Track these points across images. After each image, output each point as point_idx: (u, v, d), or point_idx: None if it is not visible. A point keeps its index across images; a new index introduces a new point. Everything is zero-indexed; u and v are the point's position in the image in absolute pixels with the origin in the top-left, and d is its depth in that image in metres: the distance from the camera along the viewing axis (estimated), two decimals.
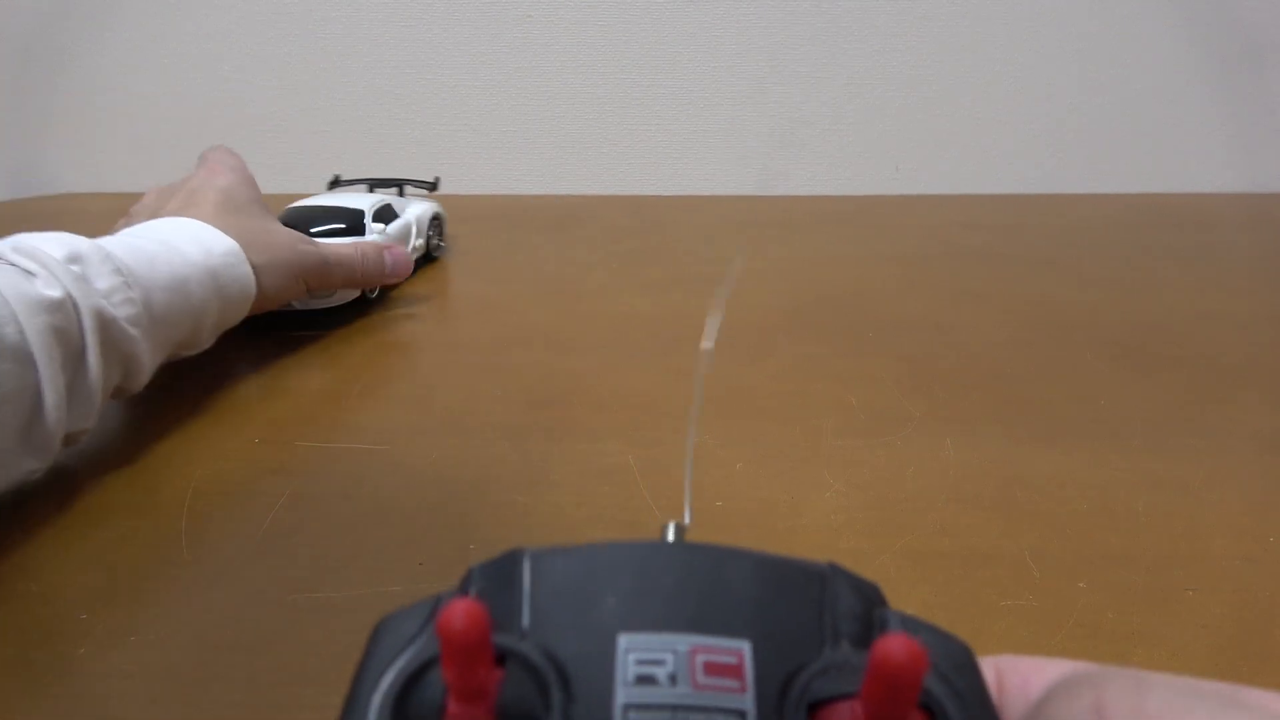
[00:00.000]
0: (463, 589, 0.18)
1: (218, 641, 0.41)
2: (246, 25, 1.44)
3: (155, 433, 0.62)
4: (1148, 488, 0.53)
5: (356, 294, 0.85)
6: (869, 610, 0.16)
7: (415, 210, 1.00)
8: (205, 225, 0.63)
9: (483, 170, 1.49)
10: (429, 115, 1.47)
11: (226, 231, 0.64)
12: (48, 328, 0.45)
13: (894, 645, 0.13)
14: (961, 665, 0.16)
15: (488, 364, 0.74)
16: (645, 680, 0.14)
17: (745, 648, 0.14)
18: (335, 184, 1.05)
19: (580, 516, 0.51)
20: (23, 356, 0.44)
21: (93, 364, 0.49)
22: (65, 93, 1.48)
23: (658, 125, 1.47)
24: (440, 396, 0.68)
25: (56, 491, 0.54)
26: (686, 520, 0.19)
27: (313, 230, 0.85)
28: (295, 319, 0.81)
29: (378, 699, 0.15)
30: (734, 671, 0.14)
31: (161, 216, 0.66)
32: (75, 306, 0.47)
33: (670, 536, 0.18)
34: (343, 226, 0.88)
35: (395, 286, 0.92)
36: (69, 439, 0.51)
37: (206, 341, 0.65)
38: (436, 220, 1.04)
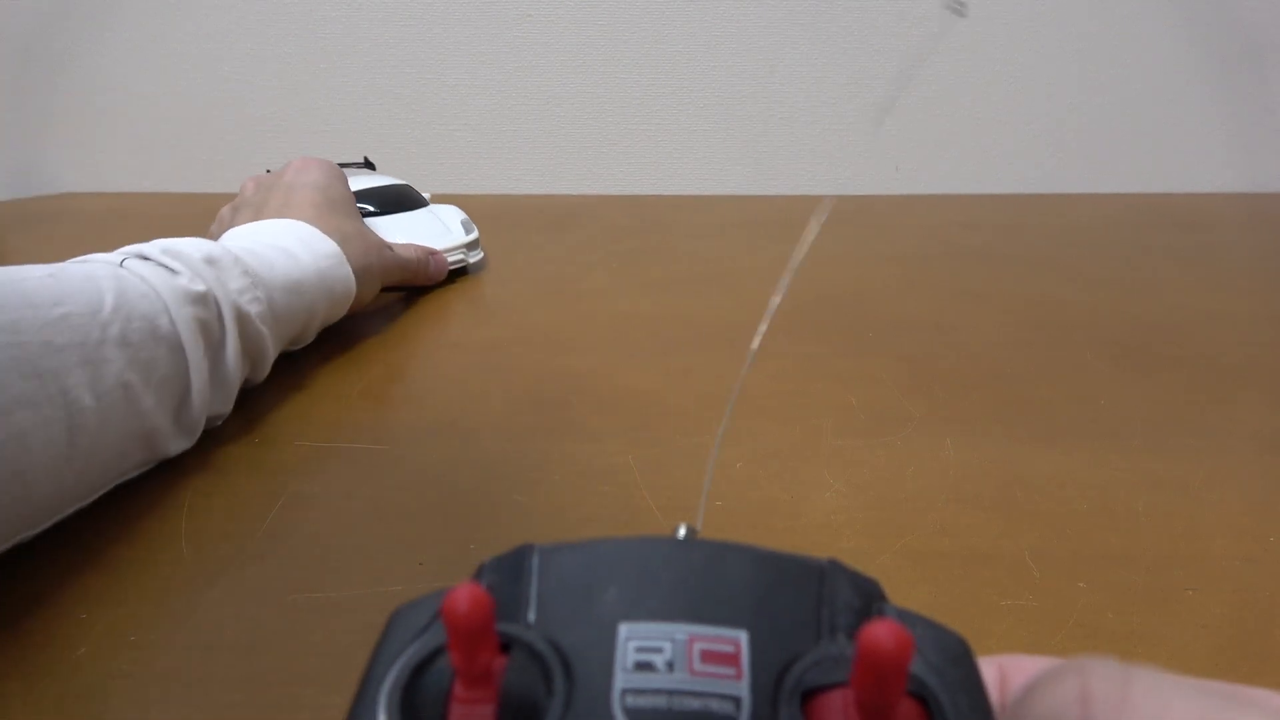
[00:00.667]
0: (474, 581, 0.18)
1: (217, 641, 0.41)
2: (246, 25, 1.44)
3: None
4: (1148, 488, 0.53)
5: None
6: (867, 605, 0.16)
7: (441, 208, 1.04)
8: (310, 228, 0.70)
9: (483, 170, 1.49)
10: (429, 115, 1.47)
11: (327, 234, 0.71)
12: (194, 319, 0.50)
13: (880, 631, 0.13)
14: (957, 657, 0.16)
15: (488, 364, 0.74)
16: (644, 667, 0.14)
17: (743, 637, 0.15)
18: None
19: (580, 516, 0.51)
20: (174, 344, 0.49)
21: (231, 354, 0.55)
22: (65, 93, 1.48)
23: (658, 125, 1.47)
24: (440, 396, 0.68)
25: None
26: (699, 525, 0.19)
27: (380, 209, 0.96)
28: None
29: (387, 685, 0.15)
30: (730, 660, 0.14)
31: (265, 215, 0.71)
32: (216, 302, 0.53)
33: (681, 532, 0.18)
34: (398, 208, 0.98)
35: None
36: (210, 422, 0.57)
37: (311, 337, 0.71)
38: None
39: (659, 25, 1.42)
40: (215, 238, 0.70)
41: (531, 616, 0.15)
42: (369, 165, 1.18)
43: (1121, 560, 0.47)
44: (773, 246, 1.10)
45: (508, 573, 0.16)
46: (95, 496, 0.51)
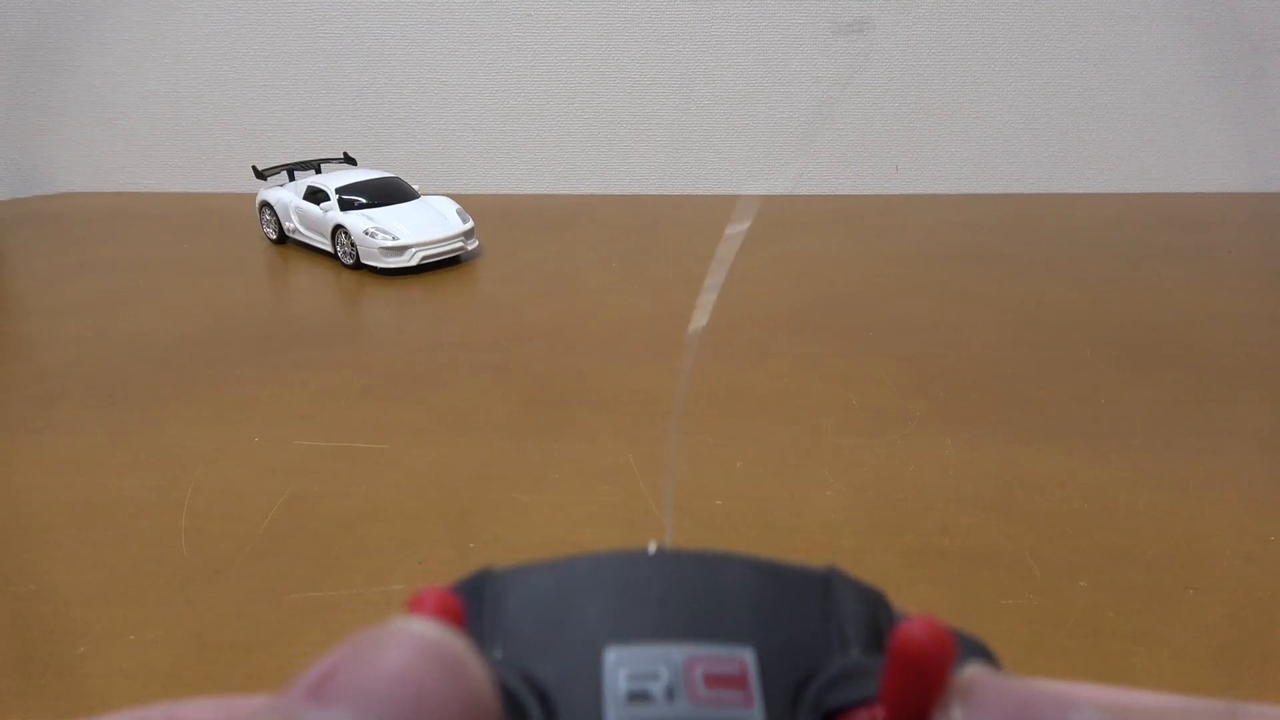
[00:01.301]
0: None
1: (217, 640, 0.41)
2: (246, 25, 1.44)
3: (155, 432, 0.62)
4: (1148, 487, 0.53)
5: (415, 261, 0.96)
6: (875, 614, 0.15)
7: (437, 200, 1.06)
8: None
9: (483, 170, 1.49)
10: (429, 115, 1.47)
11: None
12: None
13: (916, 630, 0.12)
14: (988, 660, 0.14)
15: (488, 363, 0.74)
16: (639, 697, 0.12)
17: (748, 655, 0.13)
18: (261, 175, 1.11)
19: (580, 516, 0.51)
20: None
21: None
22: (65, 93, 1.48)
23: (658, 125, 1.47)
24: (440, 396, 0.68)
25: (56, 491, 0.54)
26: (669, 541, 0.17)
27: (373, 201, 1.00)
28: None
29: None
30: (738, 682, 0.13)
31: None
32: None
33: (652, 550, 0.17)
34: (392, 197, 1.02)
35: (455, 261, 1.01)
36: None
37: None
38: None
39: (659, 25, 1.42)
40: None
41: (498, 651, 0.13)
42: (349, 160, 1.19)
43: (1122, 559, 0.47)
44: (772, 246, 1.09)
45: (467, 600, 0.14)
46: None
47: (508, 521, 0.51)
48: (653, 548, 0.16)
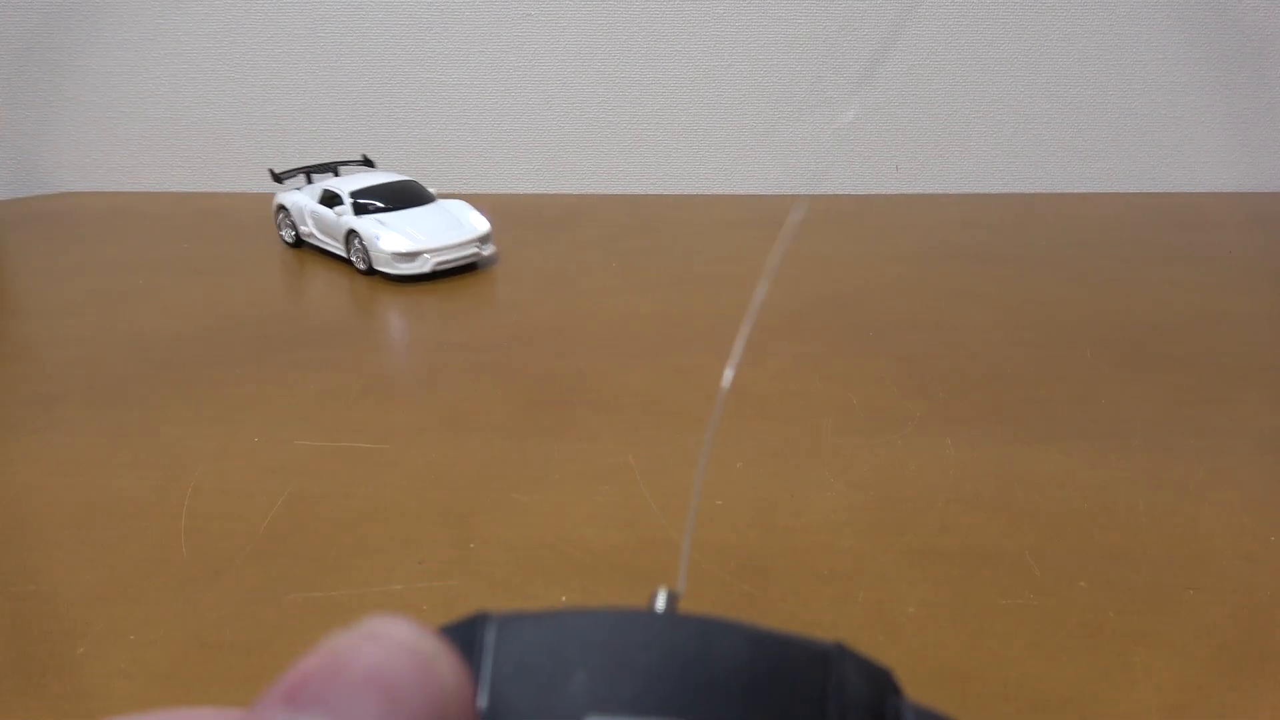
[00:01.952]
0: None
1: (217, 640, 0.41)
2: (247, 25, 1.44)
3: (155, 432, 0.62)
4: (1148, 487, 0.53)
5: (429, 268, 0.95)
6: (880, 699, 0.14)
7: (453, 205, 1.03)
8: None
9: (483, 170, 1.49)
10: (429, 115, 1.47)
11: None
12: None
13: None
14: None
15: (488, 363, 0.74)
16: None
17: None
18: (278, 178, 1.10)
19: (580, 516, 0.51)
20: None
21: None
22: (65, 93, 1.48)
23: (658, 125, 1.47)
24: (440, 396, 0.68)
25: (56, 491, 0.54)
26: (681, 587, 0.17)
27: (389, 205, 0.99)
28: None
29: None
30: None
31: None
32: None
33: (660, 605, 0.16)
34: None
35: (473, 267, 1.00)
36: None
37: None
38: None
39: (659, 25, 1.42)
40: None
41: (483, 703, 0.13)
42: (367, 163, 1.17)
43: (1122, 559, 0.47)
44: (773, 246, 1.09)
45: (457, 644, 0.14)
46: None
47: (508, 521, 0.51)
48: (661, 597, 0.16)
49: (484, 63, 1.45)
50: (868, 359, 0.73)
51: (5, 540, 0.49)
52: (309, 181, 1.10)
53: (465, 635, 0.14)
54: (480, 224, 0.99)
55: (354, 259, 0.99)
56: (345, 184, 1.01)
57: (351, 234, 0.97)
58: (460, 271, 0.99)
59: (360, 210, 0.98)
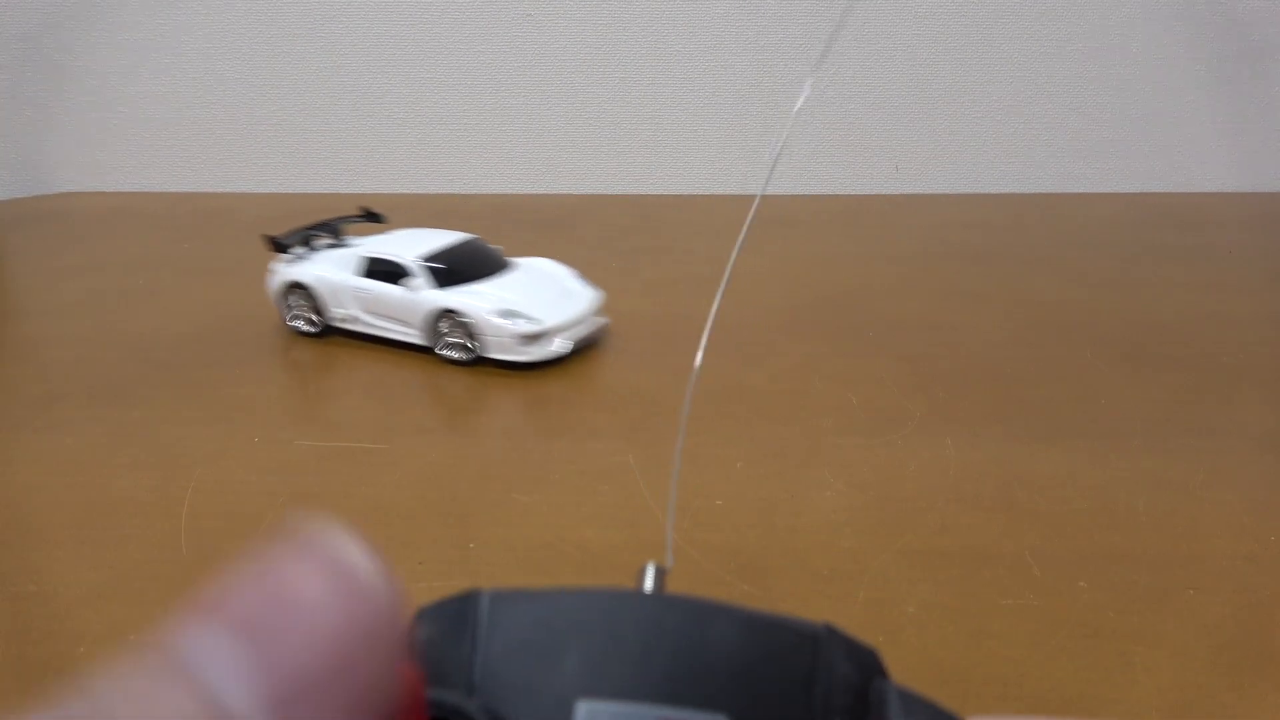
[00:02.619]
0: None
1: None
2: (246, 25, 1.44)
3: (155, 431, 0.62)
4: (1148, 488, 0.53)
5: (568, 350, 0.73)
6: (866, 681, 0.14)
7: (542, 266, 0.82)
8: None
9: (483, 170, 1.49)
10: (429, 115, 1.47)
11: None
12: None
13: None
14: None
15: (488, 363, 0.74)
16: None
17: None
18: (281, 247, 0.81)
19: (580, 516, 0.51)
20: None
21: None
22: (65, 93, 1.48)
23: (658, 125, 1.47)
24: (440, 396, 0.68)
25: (56, 491, 0.54)
26: (669, 562, 0.17)
27: (454, 275, 0.75)
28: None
29: None
30: None
31: None
32: None
33: (649, 580, 0.16)
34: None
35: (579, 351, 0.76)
36: None
37: None
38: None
39: (658, 25, 1.42)
40: None
41: (476, 679, 0.13)
42: (372, 217, 0.89)
43: (1122, 559, 0.47)
44: (773, 246, 1.09)
45: (449, 624, 0.14)
46: None
47: (508, 521, 0.51)
48: (650, 572, 0.16)
49: (483, 62, 1.45)
50: (868, 359, 0.73)
51: (5, 540, 0.49)
52: (306, 246, 0.82)
53: (457, 612, 0.14)
54: (590, 289, 0.79)
55: (441, 348, 0.74)
56: (402, 247, 0.77)
57: (444, 315, 0.72)
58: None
59: (443, 282, 0.74)
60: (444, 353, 0.74)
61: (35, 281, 0.99)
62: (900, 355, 0.74)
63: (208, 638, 0.10)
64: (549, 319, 0.72)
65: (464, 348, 0.73)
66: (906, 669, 0.40)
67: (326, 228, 0.84)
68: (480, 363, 0.72)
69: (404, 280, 0.75)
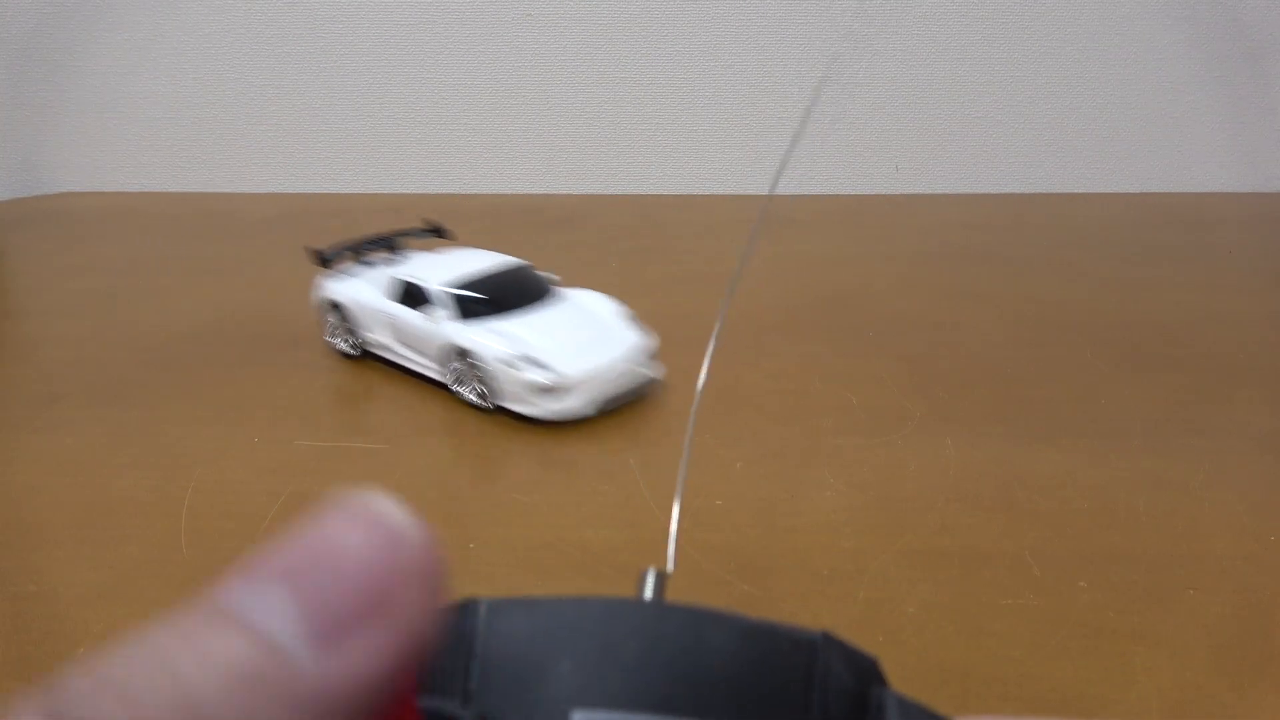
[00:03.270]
0: None
1: None
2: (246, 25, 1.44)
3: (155, 431, 0.62)
4: (1148, 488, 0.53)
5: (594, 410, 0.63)
6: (864, 689, 0.14)
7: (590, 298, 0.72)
8: None
9: (483, 170, 1.49)
10: (429, 115, 1.47)
11: None
12: None
13: None
14: None
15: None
16: None
17: None
18: (325, 260, 0.75)
19: (581, 516, 0.51)
20: None
21: None
22: (65, 93, 1.48)
23: (658, 125, 1.47)
24: (440, 396, 0.68)
25: (56, 491, 0.54)
26: (670, 567, 0.17)
27: (497, 305, 0.66)
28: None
29: None
30: None
31: None
32: None
33: (648, 586, 0.16)
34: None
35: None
36: None
37: None
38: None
39: (659, 25, 1.42)
40: None
41: (470, 690, 0.13)
42: (437, 232, 0.81)
43: (1122, 559, 0.47)
44: (772, 246, 1.09)
45: (446, 633, 0.14)
46: None
47: (508, 521, 0.51)
48: (650, 578, 0.16)
49: (484, 63, 1.45)
50: (868, 359, 0.73)
51: (5, 540, 0.49)
52: (358, 261, 0.76)
53: (455, 620, 0.14)
54: (638, 333, 0.67)
55: (460, 388, 0.65)
56: (430, 272, 0.69)
57: (458, 353, 0.64)
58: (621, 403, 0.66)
59: (467, 313, 0.66)
60: (459, 391, 0.66)
61: (35, 281, 0.99)
62: (900, 355, 0.74)
63: (251, 583, 0.11)
64: (571, 370, 0.61)
65: (480, 391, 0.64)
66: (906, 669, 0.40)
67: (384, 242, 0.78)
68: (498, 410, 0.63)
69: (426, 308, 0.67)
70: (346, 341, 0.74)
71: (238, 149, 1.49)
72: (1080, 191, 1.44)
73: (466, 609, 0.14)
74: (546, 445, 0.60)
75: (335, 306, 0.74)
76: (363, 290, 0.72)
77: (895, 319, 0.83)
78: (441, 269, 0.69)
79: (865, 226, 1.21)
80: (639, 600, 0.15)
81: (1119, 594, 0.44)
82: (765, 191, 1.47)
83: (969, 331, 0.79)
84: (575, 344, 0.63)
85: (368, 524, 0.11)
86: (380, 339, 0.71)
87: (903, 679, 0.15)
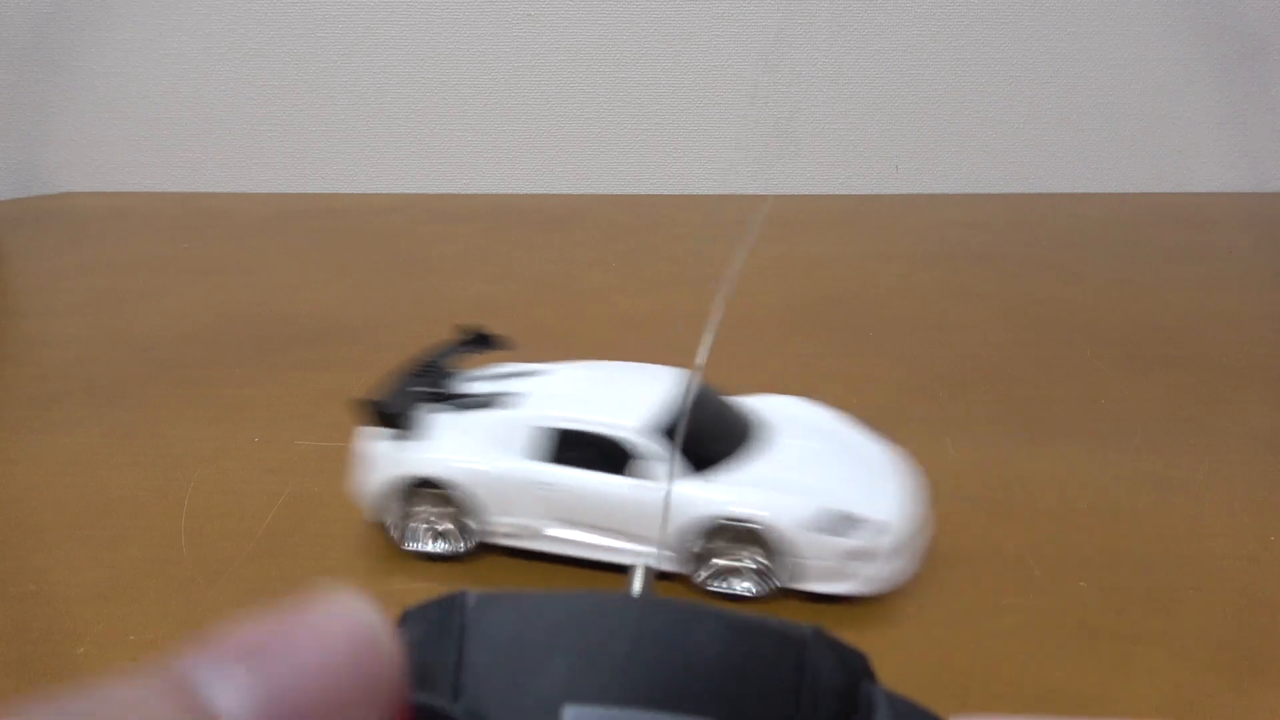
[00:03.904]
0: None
1: None
2: (246, 25, 1.44)
3: (155, 431, 0.62)
4: (1148, 487, 0.53)
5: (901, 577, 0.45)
6: (853, 684, 0.14)
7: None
8: None
9: (483, 170, 1.49)
10: (429, 115, 1.47)
11: None
12: None
13: None
14: None
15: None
16: None
17: None
18: (387, 415, 0.49)
19: None
20: None
21: None
22: (65, 93, 1.48)
23: (658, 125, 1.47)
24: None
25: (56, 491, 0.54)
26: (661, 564, 0.16)
27: (707, 454, 0.47)
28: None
29: None
30: None
31: None
32: None
33: (638, 581, 0.16)
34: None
35: None
36: None
37: None
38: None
39: (659, 25, 1.42)
40: None
41: (459, 685, 0.13)
42: (484, 342, 0.60)
43: (1122, 559, 0.47)
44: (773, 246, 1.09)
45: (434, 627, 0.14)
46: None
47: None
48: (639, 574, 0.16)
49: (484, 63, 1.45)
50: (867, 359, 0.73)
51: (5, 540, 0.49)
52: (435, 396, 0.51)
53: (442, 614, 0.14)
54: (896, 455, 0.50)
55: (713, 579, 0.45)
56: (595, 409, 0.48)
57: (713, 528, 0.44)
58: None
59: (700, 465, 0.46)
60: (715, 587, 0.45)
61: (35, 281, 0.99)
62: (900, 355, 0.74)
63: (213, 659, 0.11)
64: (894, 518, 0.44)
65: (758, 575, 0.45)
66: (907, 669, 0.40)
67: (431, 371, 0.54)
68: (780, 596, 0.45)
69: (630, 466, 0.46)
70: (448, 537, 0.48)
71: (237, 149, 1.49)
72: (1080, 191, 1.44)
73: (454, 601, 0.14)
74: None
75: (426, 487, 0.48)
76: (474, 454, 0.48)
77: (895, 319, 0.83)
78: (598, 403, 0.49)
79: (865, 226, 1.21)
80: (628, 595, 0.15)
81: (1120, 593, 0.44)
82: (767, 192, 1.47)
83: (969, 331, 0.79)
84: (862, 484, 0.46)
85: (341, 623, 0.11)
86: (524, 522, 0.47)
87: (903, 679, 0.15)
